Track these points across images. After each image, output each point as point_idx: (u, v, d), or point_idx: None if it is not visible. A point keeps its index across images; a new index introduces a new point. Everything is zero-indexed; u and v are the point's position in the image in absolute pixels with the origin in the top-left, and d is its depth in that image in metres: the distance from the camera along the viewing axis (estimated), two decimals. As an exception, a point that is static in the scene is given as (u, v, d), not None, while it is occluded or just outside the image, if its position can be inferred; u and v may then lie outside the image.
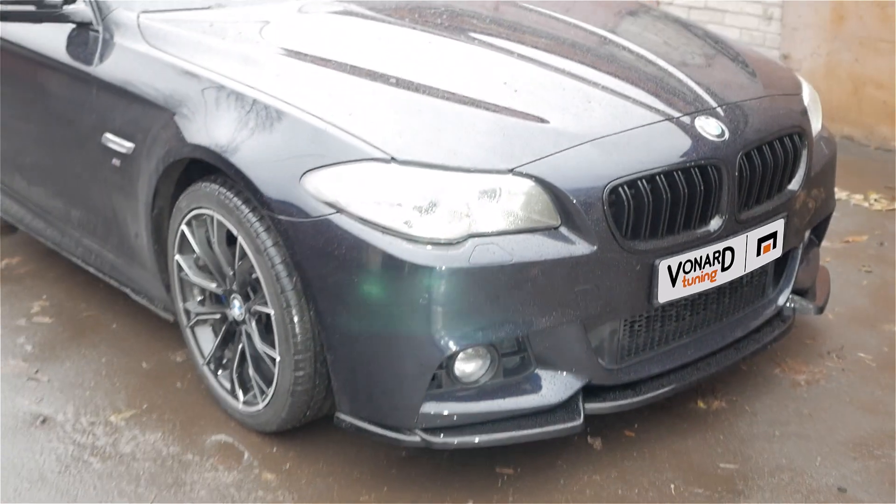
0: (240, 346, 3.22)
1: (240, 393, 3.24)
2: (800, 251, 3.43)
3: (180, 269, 3.34)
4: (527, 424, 2.87)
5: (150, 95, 3.31)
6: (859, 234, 4.71)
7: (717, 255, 3.00)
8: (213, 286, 3.26)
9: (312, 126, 2.88)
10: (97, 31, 3.59)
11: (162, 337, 3.82)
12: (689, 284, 2.96)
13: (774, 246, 3.18)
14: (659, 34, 3.84)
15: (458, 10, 3.79)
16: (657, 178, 2.85)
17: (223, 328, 3.29)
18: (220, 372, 3.34)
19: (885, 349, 3.67)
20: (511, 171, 2.76)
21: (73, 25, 3.67)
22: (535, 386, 2.88)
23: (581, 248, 2.77)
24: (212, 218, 3.13)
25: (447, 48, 3.41)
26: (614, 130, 2.93)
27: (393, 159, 2.75)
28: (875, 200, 5.11)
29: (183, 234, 3.26)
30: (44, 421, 3.34)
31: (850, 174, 5.44)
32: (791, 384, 3.45)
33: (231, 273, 3.15)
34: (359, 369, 2.84)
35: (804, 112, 3.40)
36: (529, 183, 2.76)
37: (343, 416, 2.93)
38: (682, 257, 2.92)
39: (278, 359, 2.98)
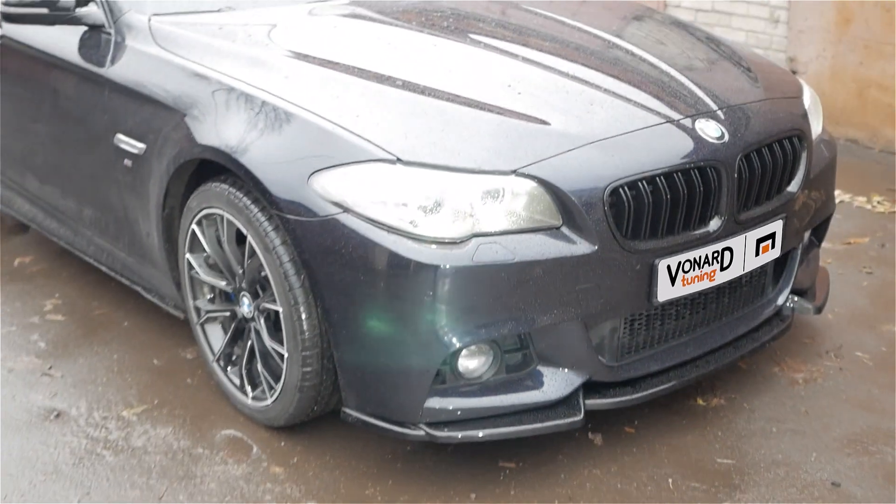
0: (249, 343, 3.28)
1: (249, 389, 3.30)
2: (799, 252, 3.48)
3: (191, 267, 3.40)
4: (528, 419, 2.93)
5: (161, 97, 3.38)
6: (861, 236, 4.76)
7: (716, 255, 3.05)
8: (222, 284, 3.32)
9: (320, 127, 2.95)
10: (109, 34, 3.66)
11: (173, 334, 3.88)
12: (689, 284, 3.02)
13: (773, 246, 3.24)
14: (662, 38, 3.89)
15: (464, 13, 3.84)
16: (657, 179, 2.91)
17: (233, 325, 3.35)
18: (229, 368, 3.40)
19: (883, 349, 3.72)
20: (514, 171, 2.82)
21: (86, 28, 3.74)
22: (537, 382, 2.95)
23: (582, 247, 2.83)
24: (222, 217, 3.19)
25: (452, 51, 3.46)
26: (615, 132, 2.98)
27: (398, 160, 2.82)
28: (878, 203, 5.15)
29: (193, 233, 3.33)
30: (58, 415, 3.41)
31: (854, 176, 5.49)
32: (789, 382, 3.50)
33: (240, 271, 3.21)
34: (365, 365, 2.90)
35: (804, 115, 3.45)
36: (532, 184, 2.82)
37: (349, 411, 3.00)
38: (682, 257, 2.98)
39: (286, 355, 3.04)
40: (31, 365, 3.73)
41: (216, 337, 3.44)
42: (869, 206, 5.13)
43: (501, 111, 3.01)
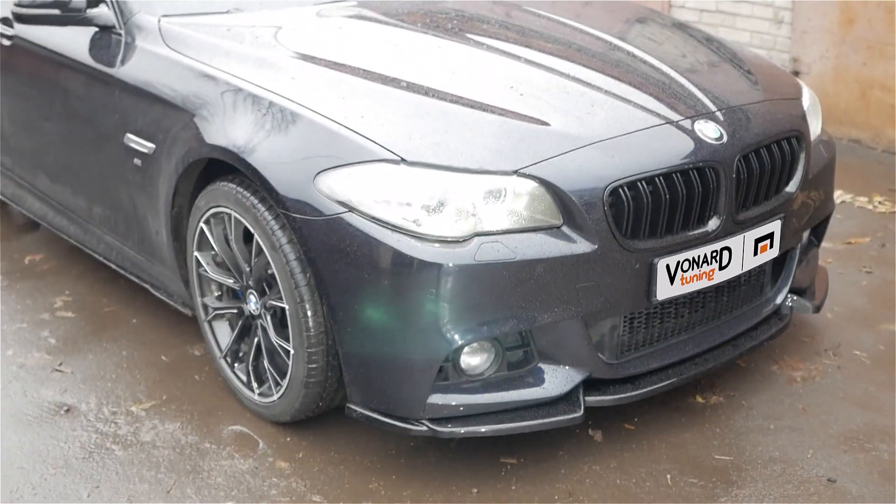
0: (255, 340, 3.33)
1: (255, 385, 3.34)
2: (797, 251, 3.52)
3: (199, 265, 3.44)
4: (529, 416, 2.99)
5: (170, 97, 3.43)
6: (862, 236, 4.79)
7: (714, 254, 3.10)
8: (230, 282, 3.37)
9: (326, 128, 3.00)
10: (119, 35, 3.71)
11: (181, 331, 3.93)
12: (687, 283, 3.06)
13: (771, 246, 3.28)
14: (663, 40, 3.94)
15: (469, 15, 3.89)
16: (656, 179, 2.96)
17: (240, 322, 3.40)
18: (236, 365, 3.45)
19: (881, 347, 3.76)
20: (515, 172, 2.87)
21: (96, 29, 3.78)
22: (538, 379, 3.00)
23: (582, 246, 2.88)
24: (229, 216, 3.23)
25: (456, 52, 3.51)
26: (616, 133, 3.03)
27: (402, 160, 2.87)
28: (879, 203, 5.18)
29: (202, 231, 3.37)
30: (68, 410, 3.46)
31: (856, 176, 5.53)
32: (787, 380, 3.55)
33: (248, 269, 3.26)
34: (369, 362, 2.95)
35: (803, 116, 3.49)
36: (533, 184, 2.87)
37: (354, 407, 3.05)
38: (681, 256, 3.02)
39: (292, 352, 3.09)
40: (42, 361, 3.79)
41: (223, 334, 3.49)
42: (870, 207, 5.16)
43: (504, 112, 3.06)
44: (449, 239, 2.81)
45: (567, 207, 2.88)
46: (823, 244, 4.50)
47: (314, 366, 3.05)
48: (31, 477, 3.12)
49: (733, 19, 6.67)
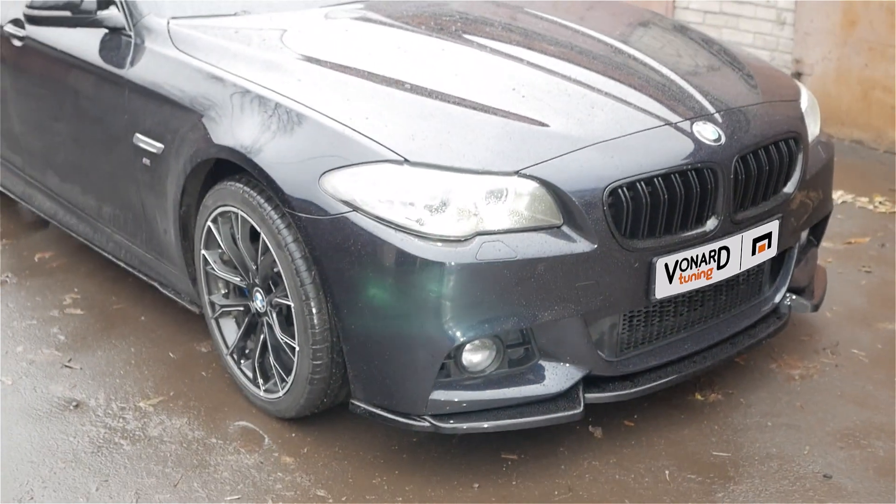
0: (261, 337, 3.38)
1: (261, 381, 3.39)
2: (796, 251, 3.57)
3: (206, 263, 3.49)
4: (530, 412, 3.04)
5: (178, 98, 3.48)
6: (862, 236, 4.83)
7: (712, 253, 3.14)
8: (237, 280, 3.42)
9: (331, 129, 3.05)
10: (129, 36, 3.76)
11: (188, 329, 3.98)
12: (686, 282, 3.11)
13: (769, 246, 3.32)
14: (664, 43, 3.98)
15: (472, 18, 3.94)
16: (655, 180, 3.01)
17: (246, 320, 3.45)
18: (242, 361, 3.50)
19: (879, 346, 3.81)
20: (517, 172, 2.92)
21: (106, 30, 3.84)
22: (539, 376, 3.05)
23: (582, 245, 2.93)
24: (236, 215, 3.29)
25: (459, 55, 3.56)
26: (615, 135, 3.08)
27: (406, 161, 2.92)
28: (879, 203, 5.22)
29: (209, 230, 3.42)
30: (77, 406, 3.52)
31: (857, 177, 5.57)
32: (785, 378, 3.60)
33: (254, 267, 3.31)
34: (372, 358, 3.00)
35: (801, 118, 3.53)
36: (534, 184, 2.92)
37: (357, 403, 3.10)
38: (679, 256, 3.07)
39: (297, 349, 3.14)
40: (52, 357, 3.84)
41: (230, 331, 3.54)
42: (871, 207, 5.20)
43: (506, 114, 3.11)
44: (451, 238, 2.87)
45: (567, 207, 2.93)
46: (824, 244, 4.56)
47: (319, 362, 3.10)
48: (40, 471, 3.18)
49: (736, 20, 6.71)
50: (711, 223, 3.13)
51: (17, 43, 4.32)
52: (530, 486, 3.06)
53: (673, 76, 3.47)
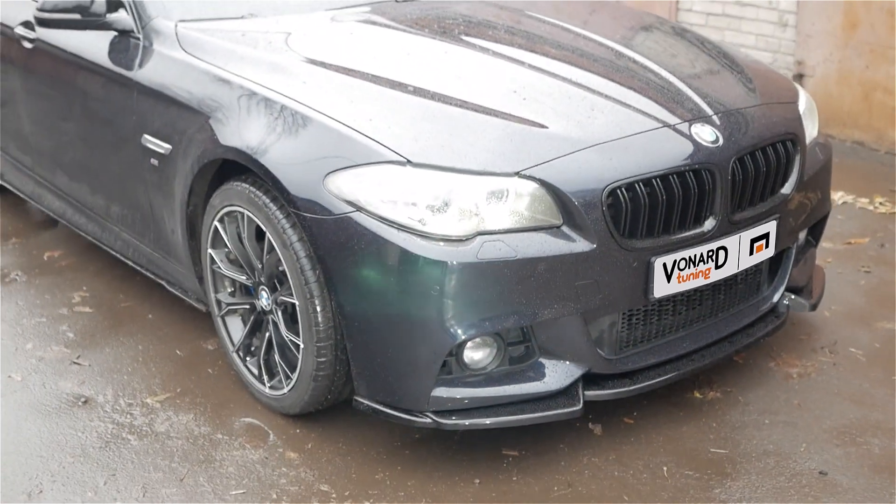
0: (267, 335, 3.43)
1: (266, 378, 3.44)
2: (794, 251, 3.61)
3: (213, 262, 3.54)
4: (530, 409, 3.08)
5: (186, 100, 3.53)
6: (861, 237, 4.87)
7: (710, 253, 3.19)
8: (243, 278, 3.47)
9: (335, 130, 3.10)
10: (138, 39, 3.81)
11: (195, 326, 4.03)
12: (684, 281, 3.16)
13: (767, 246, 3.37)
14: (665, 46, 4.02)
15: (475, 21, 3.98)
16: (653, 181, 3.06)
17: (252, 318, 3.50)
18: (248, 358, 3.55)
19: (876, 345, 3.85)
20: (517, 173, 2.97)
21: (115, 33, 3.88)
22: (539, 373, 3.09)
23: (581, 245, 2.98)
24: (242, 214, 3.33)
25: (462, 58, 3.60)
26: (614, 136, 3.13)
27: (409, 162, 2.97)
28: (880, 203, 5.26)
29: (216, 229, 3.47)
30: (85, 402, 3.57)
31: (858, 178, 5.61)
32: (784, 377, 3.64)
33: (260, 266, 3.36)
34: (375, 356, 3.05)
35: (799, 119, 3.57)
36: (534, 185, 2.97)
37: (361, 400, 3.15)
38: (677, 255, 3.12)
39: (302, 346, 3.18)
40: (61, 354, 3.90)
41: (236, 329, 3.59)
42: (871, 208, 5.23)
43: (507, 116, 3.16)
44: (453, 238, 2.91)
45: (567, 208, 2.98)
46: (824, 244, 4.60)
47: (323, 359, 3.15)
48: (49, 465, 3.23)
49: (739, 22, 6.75)
50: (709, 223, 3.18)
51: (27, 45, 4.37)
52: (530, 482, 3.11)
53: (672, 79, 3.51)
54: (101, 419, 3.47)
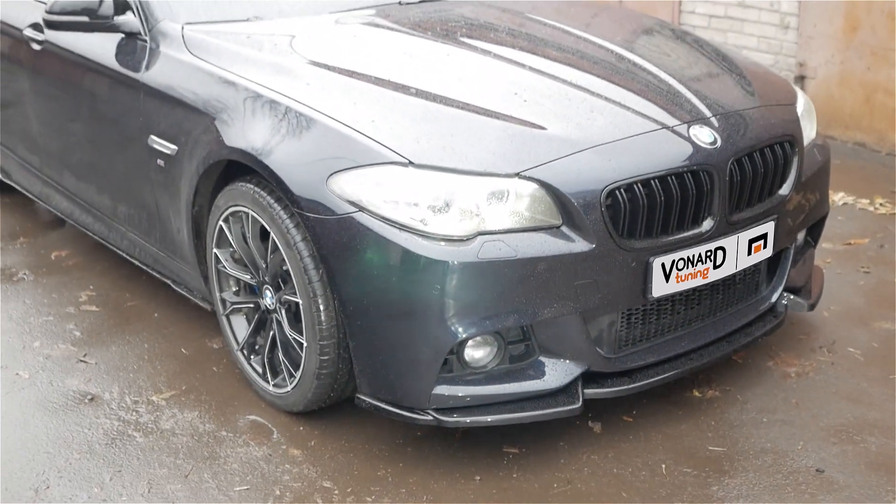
0: (271, 333, 3.46)
1: (270, 376, 3.48)
2: (792, 251, 3.65)
3: (218, 261, 3.59)
4: (530, 406, 3.12)
5: (192, 101, 3.57)
6: (861, 237, 4.90)
7: (708, 253, 3.22)
8: (247, 277, 3.51)
9: (338, 132, 3.14)
10: (145, 41, 3.85)
11: (200, 325, 4.08)
12: (682, 281, 3.19)
13: (765, 246, 3.40)
14: (665, 49, 4.05)
15: (478, 24, 4.03)
16: (652, 182, 3.09)
17: (256, 316, 3.54)
18: (252, 357, 3.59)
19: (874, 345, 3.88)
20: (517, 174, 3.01)
21: (123, 35, 3.93)
22: (539, 372, 3.13)
23: (580, 245, 3.02)
24: (247, 215, 3.37)
25: (464, 60, 3.64)
26: (613, 138, 3.17)
27: (410, 163, 3.01)
28: (880, 205, 5.29)
29: (221, 229, 3.51)
30: (92, 399, 3.62)
31: (859, 179, 5.65)
32: (782, 376, 3.68)
33: (264, 265, 3.40)
34: (378, 354, 3.09)
35: (796, 121, 3.61)
36: (534, 186, 3.01)
37: (363, 397, 3.19)
38: (676, 255, 3.15)
39: (305, 344, 3.22)
40: (67, 352, 3.94)
41: (240, 327, 3.63)
42: (871, 209, 5.26)
43: (507, 118, 3.20)
44: (454, 238, 2.95)
45: (566, 208, 3.01)
46: (824, 245, 4.64)
47: (326, 358, 3.19)
48: (56, 461, 3.28)
49: (741, 25, 6.79)
50: (707, 224, 3.21)
51: (36, 46, 4.42)
52: (530, 479, 3.15)
53: (671, 81, 3.55)
54: (107, 416, 3.51)
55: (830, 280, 4.32)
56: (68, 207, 4.62)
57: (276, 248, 3.28)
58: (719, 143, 3.25)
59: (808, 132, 3.71)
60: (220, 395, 3.63)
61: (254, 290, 3.54)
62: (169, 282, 4.04)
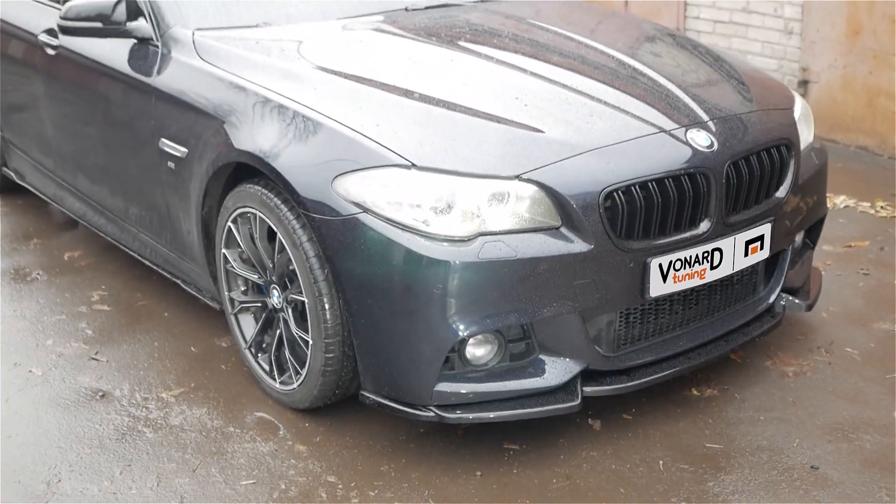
0: (278, 332, 3.53)
1: (277, 374, 3.54)
2: (789, 252, 3.70)
3: (226, 261, 3.65)
4: (530, 404, 3.18)
5: (202, 105, 3.64)
6: (862, 240, 4.95)
7: (706, 254, 3.28)
8: (255, 277, 3.57)
9: (344, 135, 3.21)
10: (156, 46, 3.93)
11: (209, 324, 4.15)
12: (679, 281, 3.25)
13: (762, 248, 3.46)
14: (665, 54, 4.11)
15: (482, 30, 4.09)
16: (650, 184, 3.16)
17: (263, 315, 3.60)
18: (259, 355, 3.65)
19: (872, 345, 3.93)
20: (518, 177, 3.08)
21: (135, 41, 4.01)
22: (539, 370, 3.19)
23: (579, 246, 3.08)
24: (255, 216, 3.44)
25: (467, 65, 3.70)
26: (612, 141, 3.23)
27: (413, 165, 3.08)
28: (881, 208, 5.33)
29: (229, 230, 3.58)
30: (103, 396, 3.69)
31: (860, 182, 5.69)
32: (780, 375, 3.73)
33: (271, 265, 3.46)
34: (381, 352, 3.15)
35: (793, 125, 3.67)
36: (534, 188, 3.08)
37: (367, 394, 3.25)
38: (673, 256, 3.21)
39: (311, 343, 3.29)
40: (79, 350, 4.02)
41: (248, 326, 3.69)
42: (872, 211, 5.30)
43: (508, 122, 3.27)
44: (455, 238, 3.02)
45: (565, 210, 3.08)
46: (824, 247, 4.69)
47: (331, 356, 3.26)
48: (68, 456, 3.35)
49: (745, 30, 6.84)
50: (704, 225, 3.27)
51: (50, 51, 4.50)
52: (530, 475, 3.21)
53: (670, 86, 3.61)
54: (118, 412, 3.58)
55: (830, 282, 4.38)
56: (81, 209, 4.69)
57: (282, 249, 3.34)
58: (716, 146, 3.31)
59: (806, 136, 3.76)
60: (227, 392, 3.69)
61: (261, 290, 3.61)
62: (179, 282, 4.11)
